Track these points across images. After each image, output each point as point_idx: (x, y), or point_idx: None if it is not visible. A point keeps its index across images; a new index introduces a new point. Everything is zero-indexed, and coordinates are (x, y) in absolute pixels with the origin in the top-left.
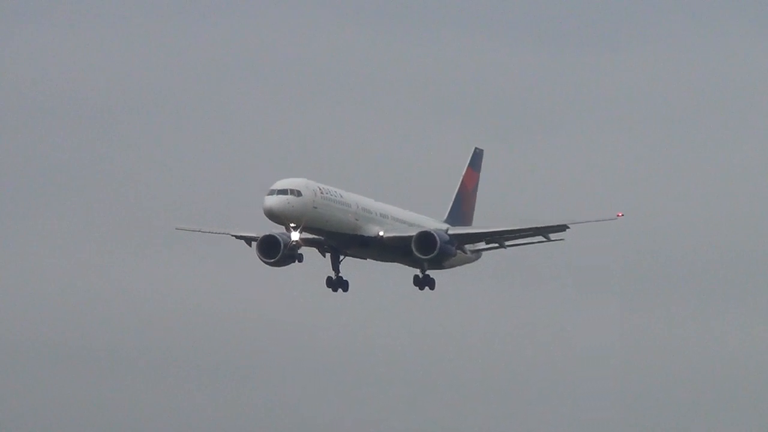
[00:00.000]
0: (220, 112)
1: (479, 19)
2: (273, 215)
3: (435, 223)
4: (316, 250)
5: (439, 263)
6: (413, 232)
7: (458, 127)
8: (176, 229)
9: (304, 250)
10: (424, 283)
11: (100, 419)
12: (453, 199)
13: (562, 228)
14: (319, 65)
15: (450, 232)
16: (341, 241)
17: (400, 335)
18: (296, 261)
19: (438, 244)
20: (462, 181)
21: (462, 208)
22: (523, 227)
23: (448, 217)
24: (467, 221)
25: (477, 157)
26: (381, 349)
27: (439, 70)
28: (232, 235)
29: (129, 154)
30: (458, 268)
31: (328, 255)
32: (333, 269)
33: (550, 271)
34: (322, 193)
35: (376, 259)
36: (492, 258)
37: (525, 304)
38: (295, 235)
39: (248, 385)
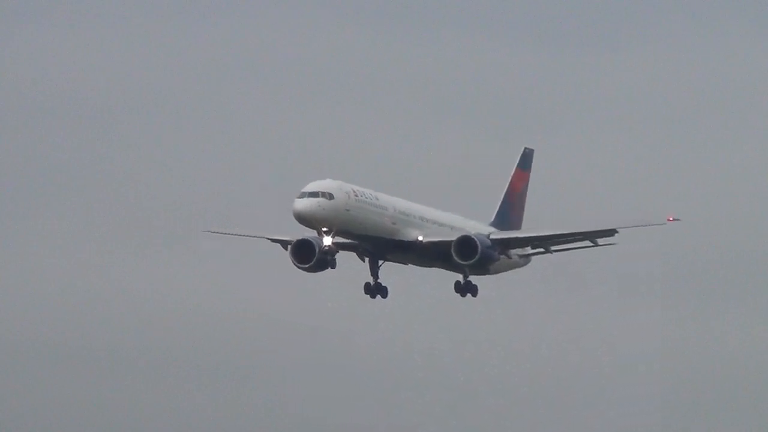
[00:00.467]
0: (221, 112)
1: (479, 19)
2: (303, 219)
3: (479, 226)
4: (355, 255)
5: (483, 268)
6: (454, 237)
7: (459, 127)
8: (202, 232)
9: (342, 255)
10: (465, 289)
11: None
12: (500, 201)
13: (610, 233)
14: (319, 65)
15: (492, 236)
16: (377, 245)
17: (439, 343)
18: (330, 267)
19: (479, 249)
20: (510, 182)
21: (510, 210)
22: (570, 231)
23: (495, 219)
24: (516, 224)
25: (526, 157)
26: (419, 357)
27: (440, 70)
28: (268, 239)
29: (129, 154)
30: (503, 273)
31: (366, 260)
32: (371, 275)
33: (596, 277)
34: (356, 195)
35: (417, 265)
36: (538, 263)
37: (570, 311)
38: (328, 240)
39: (285, 392)
